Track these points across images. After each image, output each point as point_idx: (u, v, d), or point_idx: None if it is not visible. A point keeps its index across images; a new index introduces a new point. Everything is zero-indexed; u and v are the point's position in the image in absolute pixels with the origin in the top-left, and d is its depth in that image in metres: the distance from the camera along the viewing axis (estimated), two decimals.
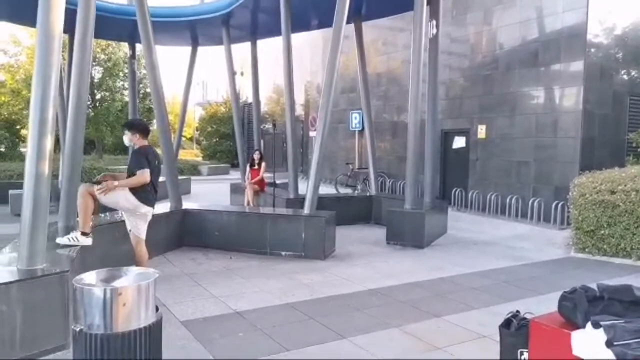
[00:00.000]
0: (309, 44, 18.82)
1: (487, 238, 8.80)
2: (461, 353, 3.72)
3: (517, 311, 3.31)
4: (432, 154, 9.15)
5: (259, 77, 13.55)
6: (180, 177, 14.04)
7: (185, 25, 12.65)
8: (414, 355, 3.69)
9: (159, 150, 6.06)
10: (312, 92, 20.42)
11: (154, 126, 14.82)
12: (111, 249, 5.40)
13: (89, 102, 22.88)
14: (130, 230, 4.87)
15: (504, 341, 3.22)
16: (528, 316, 3.12)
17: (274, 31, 10.93)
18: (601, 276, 6.02)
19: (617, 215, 6.95)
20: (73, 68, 5.70)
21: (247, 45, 13.70)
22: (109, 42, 22.57)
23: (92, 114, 22.52)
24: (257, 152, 10.63)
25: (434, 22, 8.91)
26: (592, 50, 10.31)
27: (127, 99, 20.45)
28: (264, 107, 23.01)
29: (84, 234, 4.53)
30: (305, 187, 7.71)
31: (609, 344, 2.43)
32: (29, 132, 3.77)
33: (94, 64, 22.99)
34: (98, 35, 15.46)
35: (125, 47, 21.71)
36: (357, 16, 10.77)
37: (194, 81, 15.52)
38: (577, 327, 2.63)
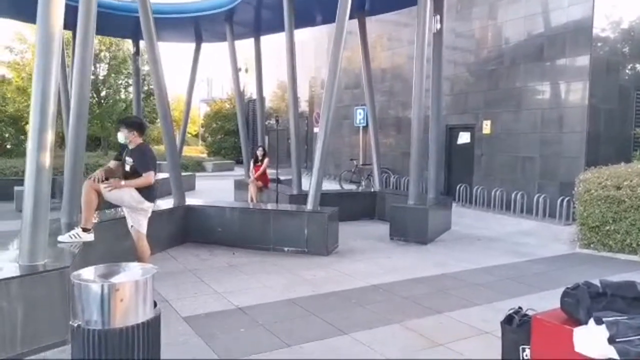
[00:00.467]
0: (313, 40, 18.77)
1: (492, 234, 8.75)
2: (463, 349, 3.70)
3: (519, 307, 3.28)
4: (436, 150, 9.11)
5: (262, 73, 13.53)
6: (184, 174, 14.10)
7: (188, 21, 12.64)
8: (415, 352, 3.67)
9: (162, 147, 6.07)
10: (316, 88, 20.37)
11: (159, 124, 14.82)
12: (114, 245, 5.41)
13: (94, 99, 22.96)
14: (132, 226, 4.87)
15: (506, 337, 3.20)
16: (530, 312, 3.10)
17: (278, 27, 10.88)
18: (606, 272, 5.97)
19: (623, 211, 6.88)
20: (75, 64, 5.71)
21: (252, 42, 13.67)
22: (113, 40, 22.58)
23: (97, 111, 22.58)
24: (260, 149, 10.63)
25: (438, 16, 8.85)
26: (598, 44, 10.20)
27: (131, 96, 20.48)
28: (268, 104, 23.01)
29: (85, 230, 4.53)
30: (309, 183, 7.70)
31: (611, 340, 2.41)
32: (30, 127, 3.77)
33: (98, 60, 23.03)
34: (102, 32, 15.54)
35: (128, 44, 21.82)
36: (360, 11, 10.71)
37: (198, 78, 15.53)
38: (580, 324, 2.60)
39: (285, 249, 6.92)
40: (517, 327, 3.12)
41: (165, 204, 7.69)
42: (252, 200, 10.04)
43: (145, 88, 21.76)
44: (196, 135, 40.93)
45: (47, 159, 3.77)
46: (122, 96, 24.92)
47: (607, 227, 7.06)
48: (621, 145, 10.45)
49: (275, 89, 23.58)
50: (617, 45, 10.69)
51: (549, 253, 7.33)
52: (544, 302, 4.16)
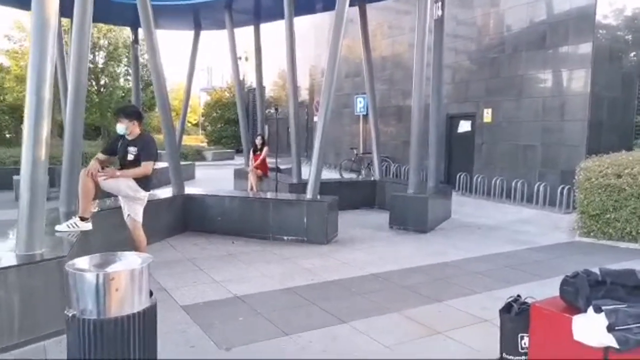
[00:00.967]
0: (314, 28, 18.61)
1: (492, 222, 8.74)
2: (462, 337, 3.69)
3: (518, 295, 3.26)
4: (436, 139, 9.06)
5: (262, 62, 13.43)
6: (183, 163, 14.04)
7: (187, 8, 12.48)
8: (414, 340, 3.66)
9: (158, 136, 6.04)
10: (316, 77, 20.24)
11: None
12: (112, 234, 5.39)
13: (93, 88, 22.85)
14: (128, 216, 4.85)
15: (504, 326, 3.19)
16: (529, 300, 3.08)
17: (277, 15, 10.76)
18: (607, 260, 5.94)
19: (623, 199, 6.86)
20: (72, 52, 5.66)
21: (252, 30, 13.54)
22: (111, 27, 22.40)
23: (97, 99, 22.49)
24: (259, 137, 10.58)
25: (439, 3, 8.75)
26: (601, 31, 10.09)
27: (129, 85, 20.37)
28: (268, 93, 22.88)
29: (83, 219, 4.52)
30: (308, 172, 7.67)
31: (610, 328, 2.40)
32: (25, 116, 3.73)
33: (96, 49, 22.89)
34: (100, 19, 15.41)
35: (126, 31, 21.64)
36: None
37: (198, 66, 15.43)
38: (579, 312, 2.59)
39: (285, 237, 6.91)
40: (515, 315, 3.11)
41: (165, 193, 7.67)
42: (251, 189, 10.02)
43: (146, 77, 21.66)
44: (196, 124, 40.81)
45: (42, 149, 3.73)
46: (121, 84, 24.80)
47: (608, 215, 7.04)
48: (623, 133, 10.38)
49: (275, 78, 23.44)
50: (620, 32, 10.57)
51: (549, 241, 7.31)
52: (543, 290, 4.16)
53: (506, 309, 3.17)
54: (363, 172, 14.85)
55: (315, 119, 17.74)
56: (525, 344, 3.00)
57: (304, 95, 20.62)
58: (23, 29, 22.27)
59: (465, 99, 12.65)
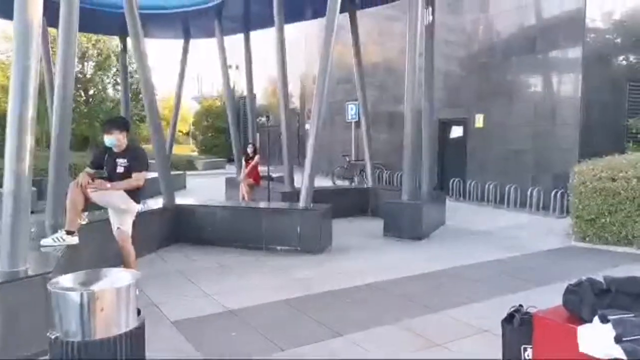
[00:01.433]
0: (304, 35, 18.58)
1: (486, 228, 8.68)
2: (462, 349, 3.60)
3: (520, 305, 3.17)
4: (429, 144, 9.02)
5: (253, 70, 13.35)
6: (174, 173, 13.87)
7: (176, 17, 12.40)
8: (412, 353, 3.56)
9: (148, 147, 5.93)
10: (308, 84, 20.19)
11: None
12: (101, 247, 5.24)
13: (82, 98, 22.64)
14: (118, 228, 4.72)
15: (507, 337, 3.09)
16: (531, 310, 3.00)
17: (268, 22, 10.70)
18: (603, 266, 5.89)
19: (618, 202, 6.81)
20: (58, 62, 5.53)
21: (242, 38, 13.47)
22: (100, 36, 22.26)
23: (85, 109, 22.27)
24: (250, 145, 10.49)
25: (430, 9, 8.75)
26: (591, 36, 10.13)
27: (119, 95, 20.17)
28: (259, 101, 22.78)
29: (69, 232, 4.38)
30: (301, 180, 7.57)
31: (618, 339, 2.32)
32: (7, 129, 3.60)
33: (85, 58, 22.72)
34: (88, 29, 15.28)
35: (116, 40, 21.47)
36: (351, 5, 10.57)
37: (188, 75, 15.32)
38: (583, 322, 2.51)
39: (278, 247, 6.78)
40: (518, 326, 3.02)
41: (155, 203, 7.53)
42: (243, 199, 9.90)
43: (135, 86, 21.48)
44: (187, 134, 40.59)
45: (26, 162, 3.60)
46: (110, 94, 24.61)
47: (603, 220, 6.99)
48: (614, 136, 10.39)
49: (266, 86, 23.38)
50: (609, 36, 10.62)
51: (544, 247, 7.26)
52: (542, 297, 4.05)
53: (508, 320, 3.08)
54: (356, 179, 14.77)
55: (307, 126, 17.69)
56: (528, 355, 2.90)
57: (295, 102, 20.55)
58: (10, 38, 22.05)
59: (456, 104, 12.64)
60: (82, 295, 2.20)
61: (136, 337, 2.32)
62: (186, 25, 13.46)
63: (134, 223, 4.82)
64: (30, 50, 3.67)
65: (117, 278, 2.41)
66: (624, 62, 10.91)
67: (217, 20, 12.28)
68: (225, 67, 12.97)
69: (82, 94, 22.75)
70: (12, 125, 3.58)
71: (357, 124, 15.85)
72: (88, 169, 4.68)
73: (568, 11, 10.02)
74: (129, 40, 13.57)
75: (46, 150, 12.32)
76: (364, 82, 11.08)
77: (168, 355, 3.50)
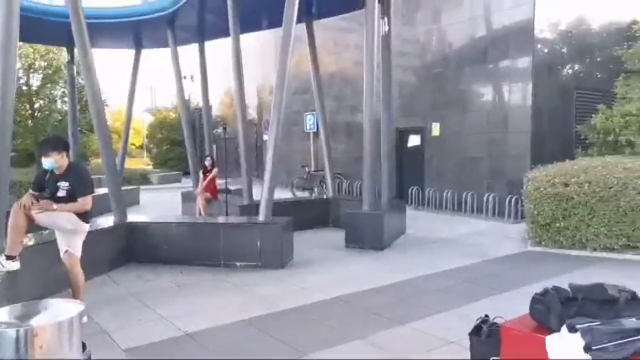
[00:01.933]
0: (260, 45, 18.43)
1: (446, 236, 8.76)
2: None
3: (486, 316, 3.14)
4: (388, 154, 9.04)
5: (208, 80, 13.09)
6: (127, 188, 13.36)
7: (126, 26, 12.02)
8: None
9: (99, 160, 5.62)
10: (264, 95, 20.04)
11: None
12: (46, 272, 4.88)
13: (27, 112, 21.53)
14: (66, 251, 4.39)
15: (475, 350, 3.04)
16: (498, 321, 2.96)
17: (223, 32, 10.51)
18: (560, 270, 6.02)
19: (572, 207, 7.01)
20: None
21: (196, 48, 13.20)
22: (49, 47, 21.29)
23: (31, 124, 21.19)
24: (208, 158, 10.22)
25: (386, 19, 8.82)
26: (539, 45, 10.50)
27: (67, 108, 19.30)
28: (215, 112, 22.42)
29: (9, 257, 4.03)
30: (260, 193, 7.39)
31: (587, 348, 2.32)
32: None
33: (31, 70, 21.67)
34: (33, 39, 14.58)
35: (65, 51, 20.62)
36: (308, 16, 10.53)
37: (140, 86, 14.87)
38: (551, 331, 2.49)
39: (238, 264, 6.56)
40: (486, 338, 2.97)
41: (105, 221, 7.15)
42: (200, 214, 9.59)
43: (85, 98, 20.63)
44: (141, 147, 39.46)
45: None
46: (58, 106, 23.53)
47: (558, 224, 7.17)
48: (564, 142, 10.78)
49: (223, 97, 23.04)
50: (556, 46, 11.05)
51: (502, 252, 7.37)
52: (506, 305, 4.08)
53: (475, 332, 3.03)
54: (316, 190, 14.68)
55: (265, 137, 17.50)
56: None
57: (252, 113, 20.32)
58: None
59: (413, 113, 12.80)
60: (18, 332, 1.97)
61: None
62: (137, 35, 13.08)
63: (83, 243, 4.51)
64: None
65: (58, 310, 2.18)
66: (571, 71, 11.38)
67: (170, 30, 11.97)
68: (179, 77, 12.65)
69: (28, 107, 21.62)
70: None
71: (316, 134, 15.81)
72: (31, 191, 4.34)
73: (518, 22, 10.36)
74: (76, 51, 13.13)
75: None
76: (322, 92, 11.05)
77: None
